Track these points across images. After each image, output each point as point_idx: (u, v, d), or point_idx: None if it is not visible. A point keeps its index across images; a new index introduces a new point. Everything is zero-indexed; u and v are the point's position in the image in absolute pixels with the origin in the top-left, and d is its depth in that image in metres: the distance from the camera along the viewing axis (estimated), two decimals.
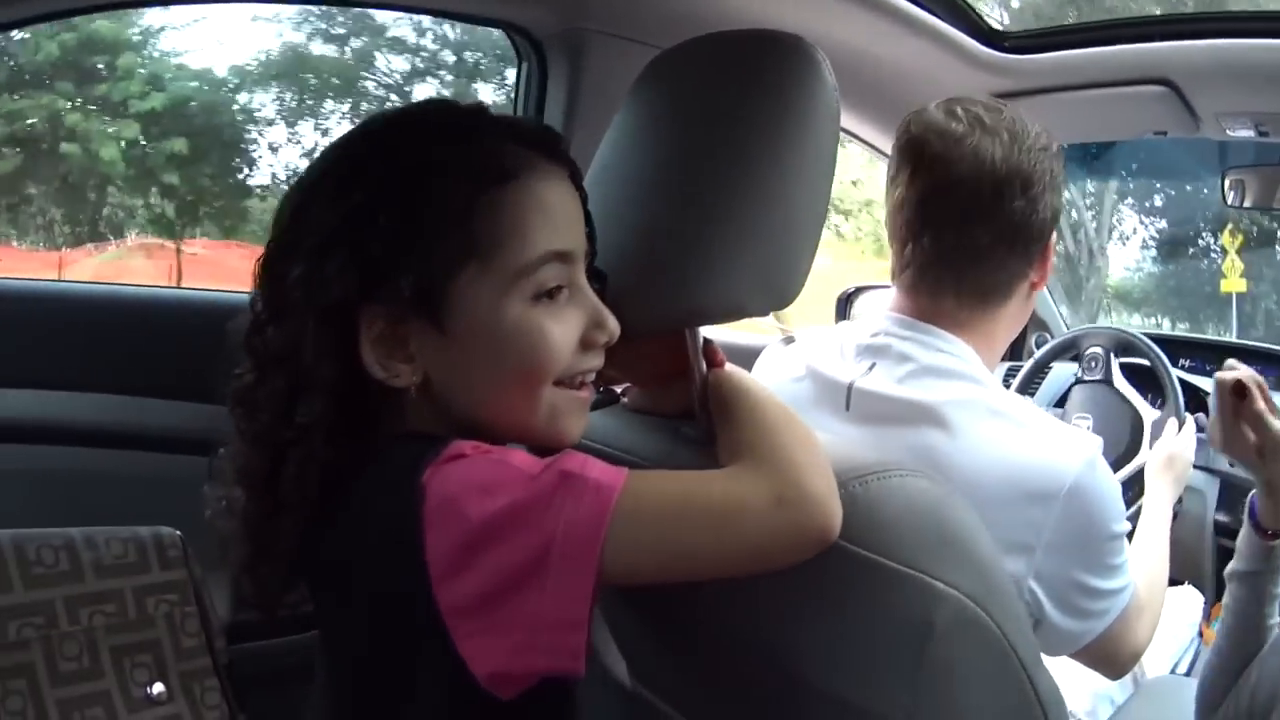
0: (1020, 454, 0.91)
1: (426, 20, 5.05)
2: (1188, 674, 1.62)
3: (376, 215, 0.63)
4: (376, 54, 5.06)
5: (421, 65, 5.19)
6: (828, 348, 1.05)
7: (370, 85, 5.09)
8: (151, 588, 1.00)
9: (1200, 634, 1.74)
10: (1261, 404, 1.07)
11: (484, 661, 0.59)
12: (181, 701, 0.98)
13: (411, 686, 0.63)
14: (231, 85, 4.82)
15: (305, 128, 5.00)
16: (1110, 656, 1.01)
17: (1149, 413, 1.70)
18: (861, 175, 5.76)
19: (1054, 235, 1.02)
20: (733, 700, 0.78)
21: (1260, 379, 1.09)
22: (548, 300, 0.66)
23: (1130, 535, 1.02)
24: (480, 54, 5.06)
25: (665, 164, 0.76)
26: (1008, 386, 1.75)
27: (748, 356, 1.11)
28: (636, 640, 0.88)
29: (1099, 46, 1.63)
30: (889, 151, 1.05)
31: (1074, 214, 7.18)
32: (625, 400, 0.88)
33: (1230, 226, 6.56)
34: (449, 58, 5.27)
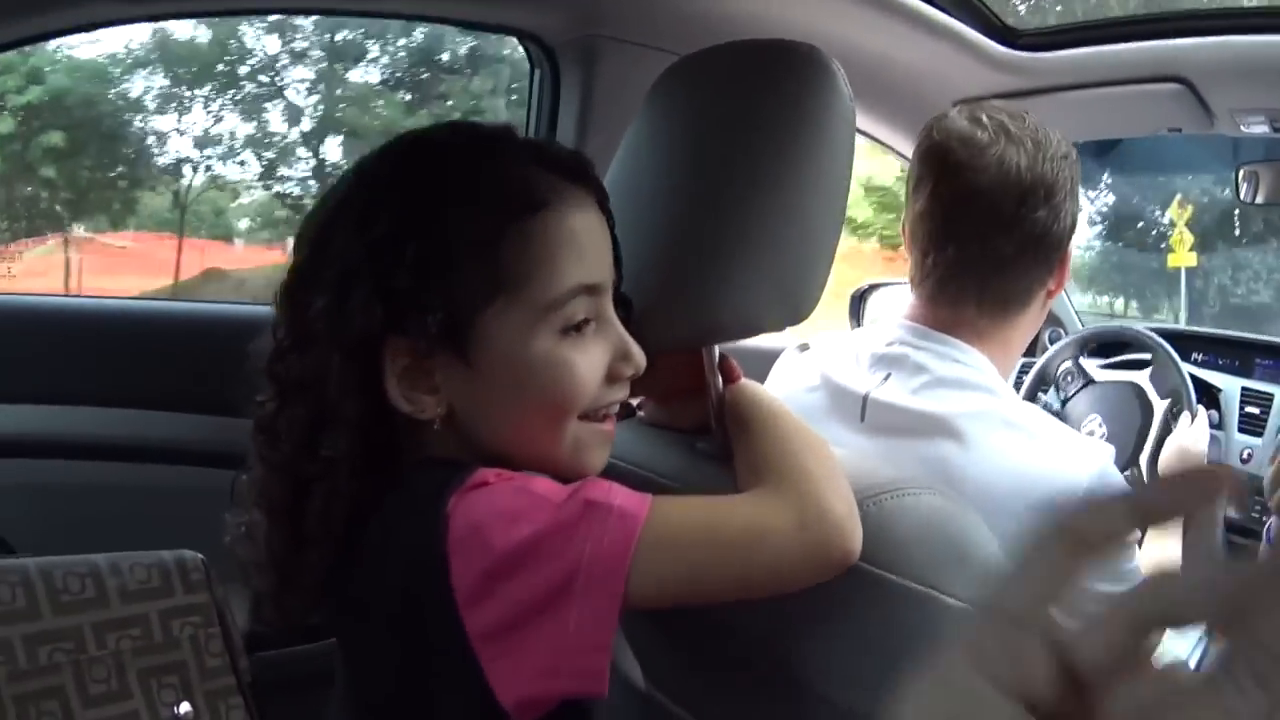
0: (1032, 464, 0.91)
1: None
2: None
3: (401, 247, 0.61)
4: (247, 35, 4.96)
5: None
6: (843, 356, 1.05)
7: (243, 70, 5.01)
8: (175, 610, 1.01)
9: (1208, 633, 1.71)
10: None
11: (508, 686, 0.59)
12: (208, 719, 0.99)
13: (432, 709, 0.63)
14: (111, 76, 4.70)
15: (192, 118, 4.92)
16: None
17: (1158, 403, 1.69)
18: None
19: (1072, 242, 1.02)
20: (745, 706, 0.79)
21: None
22: (575, 334, 0.65)
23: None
24: (348, 32, 5.03)
25: (681, 175, 0.75)
26: (1020, 384, 1.74)
27: (764, 359, 1.11)
28: (651, 644, 0.89)
29: (1113, 44, 1.61)
30: (901, 150, 1.04)
31: None
32: (641, 414, 0.87)
33: (1179, 198, 5.96)
34: (325, 38, 5.18)
